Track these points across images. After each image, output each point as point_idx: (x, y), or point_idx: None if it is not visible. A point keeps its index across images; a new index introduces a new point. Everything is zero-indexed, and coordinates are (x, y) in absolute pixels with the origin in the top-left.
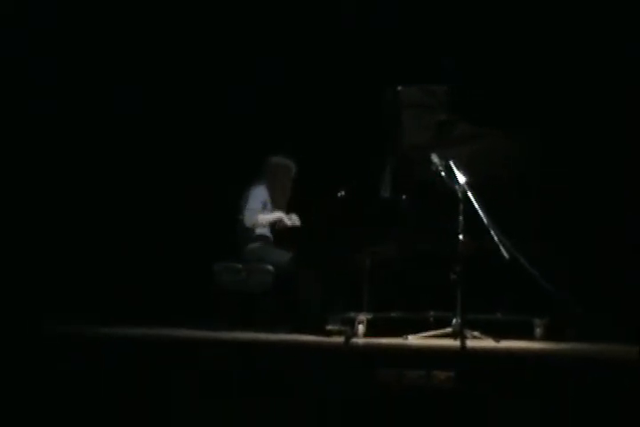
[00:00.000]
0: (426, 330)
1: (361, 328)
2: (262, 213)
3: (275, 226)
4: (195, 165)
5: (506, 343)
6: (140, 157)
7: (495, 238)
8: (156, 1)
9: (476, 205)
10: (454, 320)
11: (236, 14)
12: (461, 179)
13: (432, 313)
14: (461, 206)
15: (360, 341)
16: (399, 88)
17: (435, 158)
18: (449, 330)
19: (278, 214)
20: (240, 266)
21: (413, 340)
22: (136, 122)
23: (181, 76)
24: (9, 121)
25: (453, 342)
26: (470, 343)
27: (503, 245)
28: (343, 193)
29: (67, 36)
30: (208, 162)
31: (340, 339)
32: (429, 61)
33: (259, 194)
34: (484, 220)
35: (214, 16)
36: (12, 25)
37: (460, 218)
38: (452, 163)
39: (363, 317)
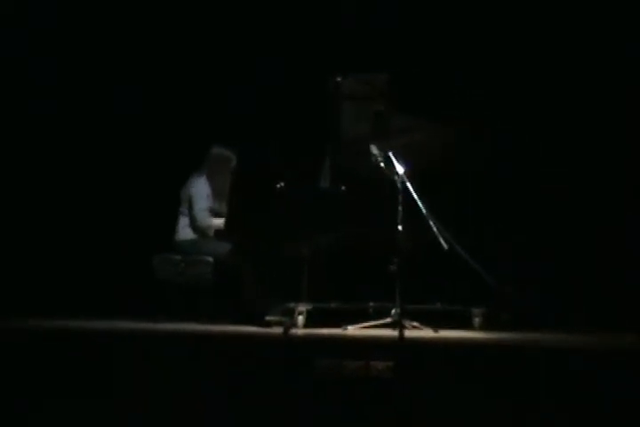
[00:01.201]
0: (365, 321)
1: (300, 319)
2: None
3: None
4: (131, 155)
5: (445, 333)
6: (80, 144)
7: (434, 229)
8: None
9: (415, 196)
10: (393, 311)
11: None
12: (400, 170)
13: (371, 304)
14: (400, 197)
15: (299, 331)
16: (338, 79)
17: (374, 149)
18: (388, 320)
19: (223, 221)
20: (179, 258)
21: (353, 330)
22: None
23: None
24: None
25: (393, 333)
26: (409, 334)
27: (441, 236)
28: (282, 184)
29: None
30: (143, 152)
31: (279, 330)
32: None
33: (202, 188)
34: (423, 210)
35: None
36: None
37: (399, 208)
38: (391, 154)
39: (302, 307)
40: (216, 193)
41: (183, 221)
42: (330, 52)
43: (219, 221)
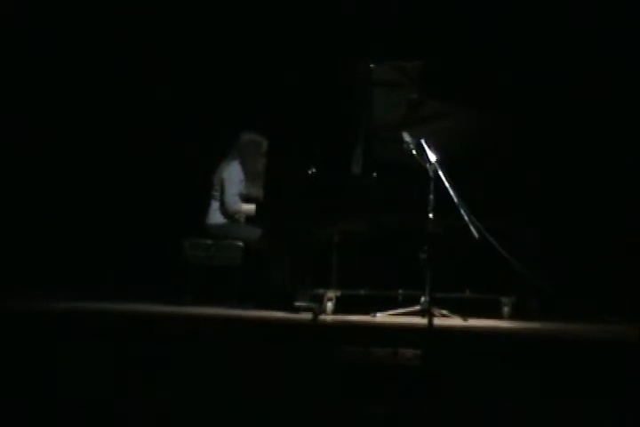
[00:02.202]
0: (394, 308)
1: (329, 305)
2: (241, 197)
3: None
4: (165, 141)
5: (473, 322)
6: (110, 131)
7: (465, 217)
8: None
9: (447, 184)
10: (422, 298)
11: None
12: (432, 157)
13: (401, 291)
14: (432, 185)
15: (328, 317)
16: (371, 65)
17: (406, 137)
18: (417, 308)
19: (253, 207)
20: (209, 242)
21: (381, 317)
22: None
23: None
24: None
25: (421, 321)
26: (438, 322)
27: (473, 225)
28: (314, 170)
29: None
30: (178, 138)
31: (308, 315)
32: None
33: (235, 174)
34: (455, 198)
35: None
36: None
37: (431, 196)
38: (423, 141)
39: (331, 293)
40: (249, 177)
41: (215, 205)
42: (362, 38)
43: (249, 207)
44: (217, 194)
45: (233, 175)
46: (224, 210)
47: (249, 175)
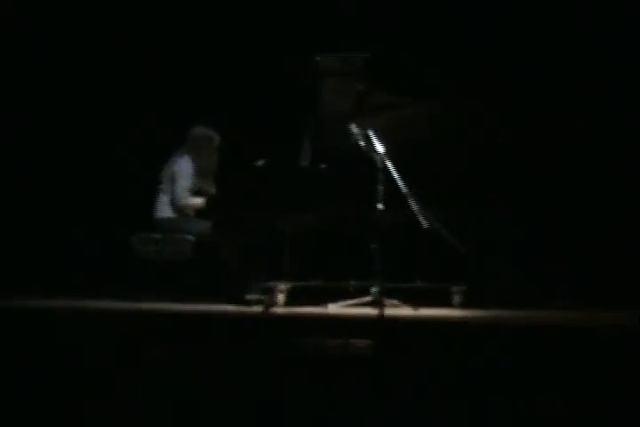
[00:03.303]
0: (346, 299)
1: (281, 297)
2: (190, 191)
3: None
4: (111, 134)
5: (424, 311)
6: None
7: (413, 207)
8: None
9: (395, 175)
10: (373, 289)
11: None
12: (380, 148)
13: (352, 282)
14: (380, 175)
15: (280, 310)
16: (318, 57)
17: (354, 128)
18: (369, 299)
19: (203, 201)
20: (159, 236)
21: (334, 309)
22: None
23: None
24: None
25: (373, 311)
26: (390, 312)
27: (421, 214)
28: (262, 162)
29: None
30: (125, 131)
31: (259, 308)
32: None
33: (185, 168)
34: (403, 189)
35: None
36: None
37: (380, 187)
38: (370, 132)
39: (283, 286)
40: (200, 172)
41: (163, 199)
42: (309, 31)
43: (198, 200)
44: (166, 187)
45: (183, 169)
46: (173, 204)
47: (200, 170)
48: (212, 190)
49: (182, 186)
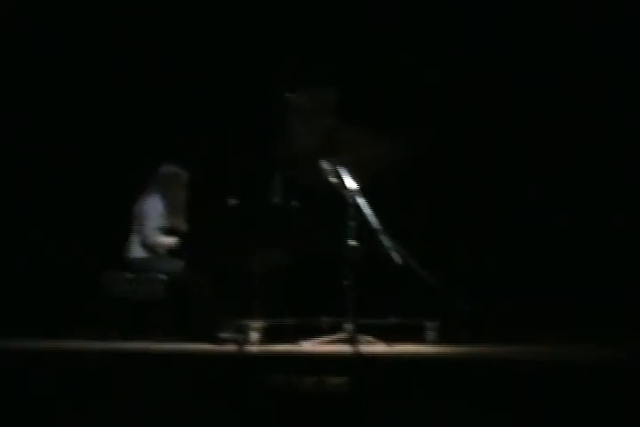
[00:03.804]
0: (320, 336)
1: (254, 335)
2: (161, 231)
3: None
4: (84, 171)
5: (398, 347)
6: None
7: (385, 243)
8: None
9: (366, 211)
10: (347, 325)
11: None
12: (350, 184)
13: (324, 319)
14: (351, 211)
15: (254, 348)
16: (287, 95)
17: (324, 164)
18: (342, 335)
19: (174, 240)
20: (131, 275)
21: (307, 346)
22: None
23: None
24: None
25: (347, 348)
26: (364, 348)
27: (394, 250)
28: (234, 200)
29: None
30: (97, 168)
31: (233, 347)
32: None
33: (154, 208)
34: (374, 224)
35: None
36: None
37: (350, 223)
38: (340, 168)
39: (256, 324)
40: (170, 210)
41: (135, 239)
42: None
43: (170, 240)
44: (136, 227)
45: (152, 209)
46: (144, 244)
47: (170, 208)
48: (184, 228)
49: (152, 226)
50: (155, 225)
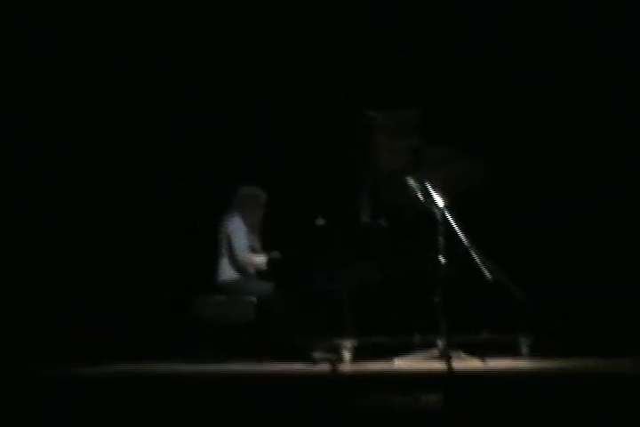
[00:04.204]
0: (412, 353)
1: (347, 354)
2: (250, 250)
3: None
4: (165, 197)
5: (492, 363)
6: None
7: (476, 259)
8: None
9: (455, 227)
10: (439, 342)
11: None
12: (439, 201)
13: (417, 336)
14: (440, 228)
15: (347, 367)
16: (373, 114)
17: (411, 182)
18: (435, 352)
19: (265, 259)
20: (222, 298)
21: (400, 363)
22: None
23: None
24: None
25: (440, 365)
26: (457, 365)
27: (485, 266)
28: (321, 220)
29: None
30: (177, 193)
31: (326, 366)
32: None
33: (238, 227)
34: (464, 241)
35: None
36: None
37: (440, 239)
38: (428, 185)
39: (348, 343)
40: (250, 230)
41: (223, 262)
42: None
43: (261, 259)
44: (224, 250)
45: (237, 228)
46: (235, 264)
47: (249, 228)
48: (259, 248)
49: (240, 245)
50: (243, 245)
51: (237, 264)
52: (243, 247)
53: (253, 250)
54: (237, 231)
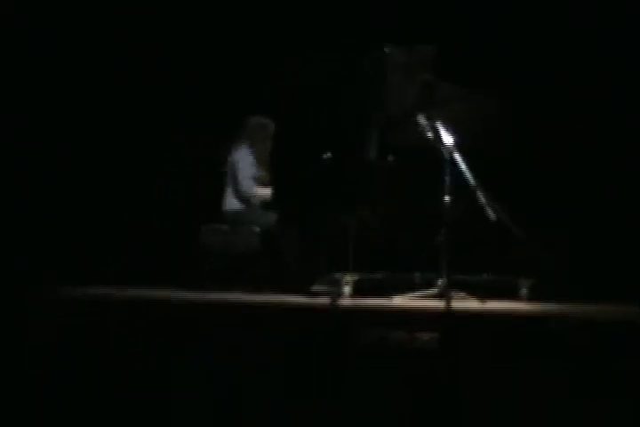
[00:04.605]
0: (412, 291)
1: (347, 289)
2: (255, 181)
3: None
4: (172, 126)
5: (491, 304)
6: (120, 117)
7: (481, 200)
8: None
9: (463, 167)
10: (440, 281)
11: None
12: (448, 140)
13: (418, 274)
14: (447, 167)
15: (346, 301)
16: (386, 49)
17: (421, 119)
18: (435, 291)
19: (269, 191)
20: (227, 227)
21: (399, 300)
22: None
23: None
24: None
25: (439, 303)
26: (456, 304)
27: (489, 207)
28: (329, 154)
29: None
30: (184, 123)
31: (325, 300)
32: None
33: (246, 158)
34: (471, 181)
35: None
36: None
37: (447, 179)
38: (438, 124)
39: (349, 277)
40: (257, 161)
41: (229, 191)
42: (374, 23)
43: (265, 191)
44: (230, 178)
45: (244, 159)
46: (239, 195)
47: (257, 158)
48: (268, 179)
49: (245, 176)
50: (248, 175)
51: (241, 194)
52: (247, 177)
53: (262, 182)
54: (243, 161)
